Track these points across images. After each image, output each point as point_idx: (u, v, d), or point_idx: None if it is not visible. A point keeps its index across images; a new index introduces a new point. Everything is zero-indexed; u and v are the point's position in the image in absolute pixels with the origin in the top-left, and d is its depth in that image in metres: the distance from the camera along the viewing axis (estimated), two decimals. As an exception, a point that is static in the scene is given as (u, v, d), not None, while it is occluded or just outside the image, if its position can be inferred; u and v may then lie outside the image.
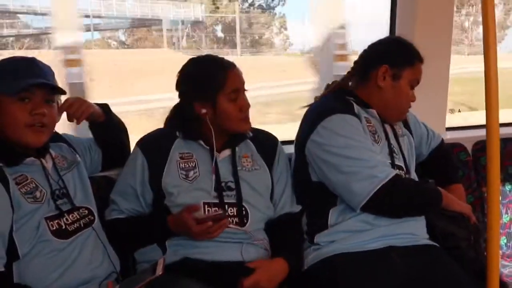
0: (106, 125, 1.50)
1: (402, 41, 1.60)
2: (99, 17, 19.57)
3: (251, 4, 23.15)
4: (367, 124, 1.51)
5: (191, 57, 1.53)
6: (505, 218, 2.02)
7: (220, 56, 1.49)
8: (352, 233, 1.45)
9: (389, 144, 1.54)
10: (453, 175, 1.77)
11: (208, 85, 1.40)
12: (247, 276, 1.31)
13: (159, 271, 1.23)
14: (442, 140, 1.80)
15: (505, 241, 2.02)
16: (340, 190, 1.45)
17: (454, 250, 1.51)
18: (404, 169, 1.55)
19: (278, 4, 23.79)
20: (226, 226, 1.33)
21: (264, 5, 23.56)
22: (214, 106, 1.40)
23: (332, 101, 1.56)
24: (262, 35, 22.98)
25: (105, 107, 1.52)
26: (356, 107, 1.52)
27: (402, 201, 1.45)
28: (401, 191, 1.43)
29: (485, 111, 1.22)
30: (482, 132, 1.33)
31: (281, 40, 24.19)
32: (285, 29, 24.23)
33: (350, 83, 1.62)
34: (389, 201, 1.42)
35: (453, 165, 1.84)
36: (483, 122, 1.16)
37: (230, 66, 1.43)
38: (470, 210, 1.57)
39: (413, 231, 1.49)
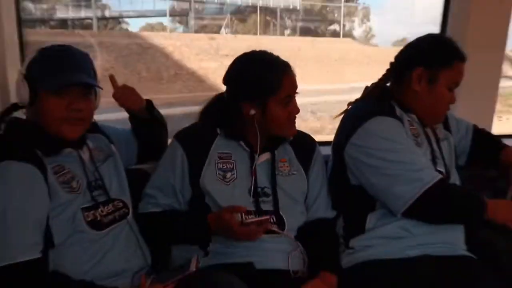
0: (148, 121, 1.50)
1: (440, 38, 1.56)
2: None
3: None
4: (410, 127, 1.49)
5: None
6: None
7: (275, 55, 1.42)
8: (389, 240, 1.45)
9: (432, 149, 1.51)
10: (500, 143, 1.73)
11: (261, 88, 1.36)
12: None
13: (193, 267, 1.25)
14: (474, 125, 1.76)
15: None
16: (381, 193, 1.43)
17: (493, 262, 1.48)
18: (445, 174, 1.52)
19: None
20: (267, 229, 1.33)
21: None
22: (263, 109, 1.37)
23: (372, 104, 1.53)
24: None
25: (148, 103, 1.52)
26: (398, 110, 1.50)
27: (445, 207, 1.43)
28: (446, 197, 1.41)
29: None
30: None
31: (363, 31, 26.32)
32: (368, 20, 26.55)
33: (388, 85, 1.59)
34: (432, 207, 1.40)
35: (496, 137, 1.79)
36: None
37: (286, 68, 1.38)
38: None
39: (451, 240, 1.48)
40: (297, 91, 1.41)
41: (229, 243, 1.37)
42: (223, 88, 1.46)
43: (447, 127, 1.66)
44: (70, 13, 20.29)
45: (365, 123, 1.43)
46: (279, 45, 14.23)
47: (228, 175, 1.40)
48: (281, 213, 1.40)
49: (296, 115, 1.41)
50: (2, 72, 1.64)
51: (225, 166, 1.41)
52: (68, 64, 1.27)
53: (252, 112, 1.37)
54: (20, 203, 1.19)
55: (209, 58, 15.37)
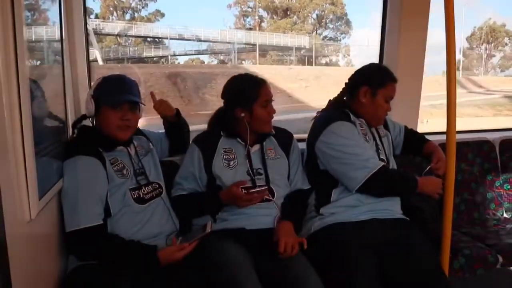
0: (176, 125, 1.97)
1: (378, 66, 2.08)
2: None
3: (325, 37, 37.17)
4: (360, 128, 1.98)
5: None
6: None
7: (253, 74, 1.97)
8: (347, 208, 1.91)
9: (376, 143, 2.01)
10: (423, 138, 2.24)
11: (248, 96, 1.86)
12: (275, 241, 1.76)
13: (208, 229, 1.67)
14: (405, 126, 2.28)
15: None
16: (340, 176, 1.91)
17: (421, 222, 1.99)
18: (386, 161, 2.00)
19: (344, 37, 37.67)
20: (264, 196, 1.80)
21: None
22: (250, 112, 1.87)
23: (333, 113, 2.02)
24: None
25: (177, 111, 1.98)
26: (352, 116, 1.99)
27: (387, 186, 1.91)
28: (387, 178, 1.89)
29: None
30: (442, 137, 1.85)
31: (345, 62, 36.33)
32: (348, 55, 37.28)
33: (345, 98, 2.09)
34: (377, 186, 1.87)
35: (420, 134, 2.31)
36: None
37: (262, 82, 1.90)
38: (436, 190, 1.93)
39: (390, 207, 1.95)
40: (273, 98, 1.90)
41: (232, 212, 1.83)
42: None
43: (386, 127, 2.16)
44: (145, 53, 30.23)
45: (329, 126, 1.92)
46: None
47: (231, 163, 1.88)
48: (271, 186, 1.88)
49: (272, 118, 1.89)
50: (76, 94, 2.11)
51: (229, 157, 1.89)
52: (122, 88, 1.72)
53: (242, 114, 1.86)
54: (87, 185, 1.60)
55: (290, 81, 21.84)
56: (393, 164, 2.08)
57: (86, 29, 2.25)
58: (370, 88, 1.98)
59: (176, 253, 1.59)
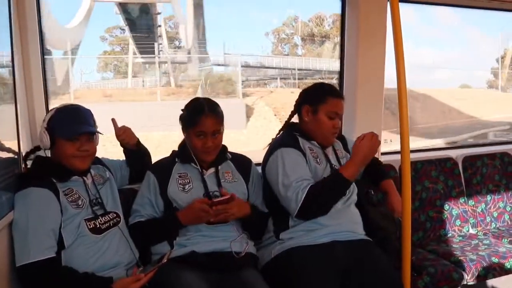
0: (137, 153, 1.94)
1: (320, 84, 2.06)
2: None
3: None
4: (310, 151, 1.96)
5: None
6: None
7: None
8: (307, 232, 1.88)
9: (330, 164, 1.98)
10: (384, 174, 2.22)
11: (187, 125, 1.87)
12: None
13: (165, 259, 1.65)
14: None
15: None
16: (282, 201, 1.88)
17: (385, 241, 1.99)
18: None
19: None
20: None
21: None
22: (188, 137, 1.88)
23: (283, 137, 2.04)
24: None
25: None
26: (301, 140, 1.98)
27: (322, 200, 1.84)
28: (317, 194, 1.82)
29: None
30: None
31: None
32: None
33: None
34: (313, 204, 1.83)
35: (383, 168, 2.28)
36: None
37: (203, 112, 1.83)
38: (372, 154, 1.90)
39: (352, 229, 1.94)
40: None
41: (189, 235, 1.81)
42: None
43: (346, 149, 2.14)
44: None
45: (274, 152, 1.93)
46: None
47: (186, 186, 1.87)
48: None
49: (208, 147, 1.84)
50: (33, 124, 2.07)
51: (184, 181, 1.88)
52: (77, 119, 1.70)
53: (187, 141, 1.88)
54: (38, 217, 1.56)
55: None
56: (354, 186, 2.04)
57: (43, 53, 2.20)
58: (311, 106, 1.98)
59: (132, 284, 1.55)
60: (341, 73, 2.74)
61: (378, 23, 2.56)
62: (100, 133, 1.75)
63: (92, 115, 1.76)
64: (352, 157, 1.91)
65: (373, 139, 1.88)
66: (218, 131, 1.86)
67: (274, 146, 1.98)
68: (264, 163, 1.99)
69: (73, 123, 1.68)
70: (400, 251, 1.91)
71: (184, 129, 1.89)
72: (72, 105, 1.76)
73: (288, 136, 2.02)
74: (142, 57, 26.65)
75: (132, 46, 26.60)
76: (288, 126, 2.10)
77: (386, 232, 2.04)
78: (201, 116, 1.82)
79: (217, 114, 1.86)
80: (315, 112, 1.97)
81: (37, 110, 2.11)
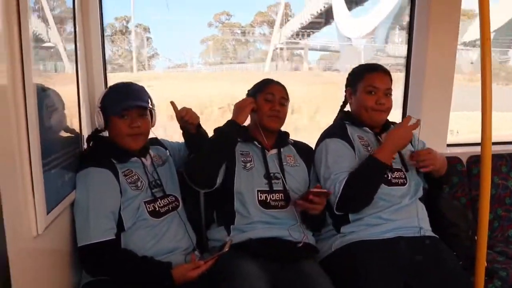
0: (196, 135, 1.88)
1: (359, 65, 2.00)
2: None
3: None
4: (360, 140, 1.89)
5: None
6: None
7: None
8: (369, 226, 1.79)
9: None
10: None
11: (256, 92, 1.89)
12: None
13: (227, 248, 1.60)
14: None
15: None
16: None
17: (455, 237, 1.87)
18: (403, 169, 1.88)
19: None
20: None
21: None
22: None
23: (332, 127, 1.99)
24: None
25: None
26: (350, 129, 1.91)
27: (361, 189, 1.75)
28: (355, 184, 1.74)
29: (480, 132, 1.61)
30: (473, 149, 1.71)
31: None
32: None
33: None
34: (352, 195, 1.75)
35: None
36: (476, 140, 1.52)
37: (272, 81, 1.91)
38: (407, 140, 1.78)
39: (420, 224, 1.82)
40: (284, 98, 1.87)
41: (248, 219, 1.76)
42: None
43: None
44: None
45: (320, 144, 1.90)
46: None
47: (248, 165, 1.84)
48: (288, 190, 1.81)
49: (276, 111, 1.84)
50: (92, 103, 2.01)
51: (246, 159, 1.85)
52: (128, 94, 1.66)
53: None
54: (98, 198, 1.55)
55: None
56: (415, 179, 1.92)
57: (102, 29, 2.18)
58: (352, 87, 1.96)
59: (191, 271, 1.52)
60: (408, 59, 2.59)
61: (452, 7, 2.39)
62: (152, 109, 1.71)
63: (145, 91, 1.72)
64: (384, 143, 1.79)
65: (405, 128, 1.77)
66: (284, 100, 1.88)
67: (321, 137, 1.93)
68: (314, 155, 1.94)
69: (123, 99, 1.65)
70: (470, 251, 1.78)
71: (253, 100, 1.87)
72: (124, 83, 1.73)
73: (336, 126, 1.96)
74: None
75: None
76: (340, 115, 2.03)
77: (458, 229, 1.93)
78: (270, 83, 1.89)
79: (284, 86, 1.92)
80: (355, 91, 1.94)
81: (97, 90, 2.10)
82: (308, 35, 26.21)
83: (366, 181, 1.76)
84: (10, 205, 1.07)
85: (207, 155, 1.73)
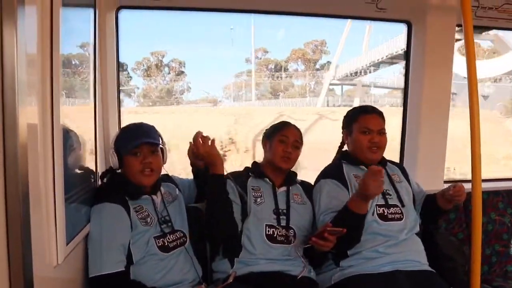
0: (205, 172, 1.93)
1: (353, 108, 2.13)
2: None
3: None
4: (356, 179, 1.96)
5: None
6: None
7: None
8: (367, 260, 1.87)
9: (383, 190, 1.89)
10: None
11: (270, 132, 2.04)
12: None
13: (231, 279, 1.69)
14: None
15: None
16: None
17: (451, 272, 1.94)
18: (399, 205, 1.96)
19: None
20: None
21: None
22: (270, 145, 2.00)
23: (328, 167, 2.10)
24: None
25: None
26: (347, 168, 2.02)
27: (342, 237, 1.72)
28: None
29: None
30: (469, 185, 1.81)
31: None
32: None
33: None
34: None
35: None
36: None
37: (287, 124, 2.03)
38: (376, 191, 1.73)
39: (417, 258, 1.90)
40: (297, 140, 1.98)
41: (251, 254, 1.84)
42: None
43: (407, 178, 2.11)
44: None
45: (317, 184, 2.02)
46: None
47: (258, 200, 1.93)
48: (291, 225, 1.91)
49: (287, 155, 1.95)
50: (107, 140, 2.12)
51: (256, 194, 1.95)
52: (139, 132, 1.78)
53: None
54: (111, 232, 1.64)
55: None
56: (411, 215, 2.00)
57: (118, 69, 2.29)
58: (347, 129, 2.08)
59: None
60: (405, 96, 2.71)
61: (445, 49, 2.54)
62: (163, 146, 1.82)
63: (155, 130, 1.83)
64: (355, 193, 1.81)
65: (368, 179, 1.72)
66: (298, 143, 2.00)
67: (318, 177, 2.06)
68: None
69: (134, 137, 1.75)
70: (466, 285, 1.82)
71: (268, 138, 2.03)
72: (135, 123, 1.84)
73: (332, 166, 2.08)
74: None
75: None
76: (337, 154, 2.15)
77: (454, 263, 2.00)
78: (286, 126, 2.03)
79: (299, 130, 2.04)
80: (350, 133, 2.05)
81: (111, 128, 2.24)
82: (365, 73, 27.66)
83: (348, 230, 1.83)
84: (37, 235, 1.17)
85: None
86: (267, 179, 1.99)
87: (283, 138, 1.96)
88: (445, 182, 2.61)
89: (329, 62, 30.54)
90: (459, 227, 2.44)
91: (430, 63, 2.56)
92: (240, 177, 1.98)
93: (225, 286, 1.67)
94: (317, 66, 32.81)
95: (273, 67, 30.97)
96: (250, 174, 2.00)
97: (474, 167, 1.76)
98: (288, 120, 2.07)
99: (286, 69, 31.42)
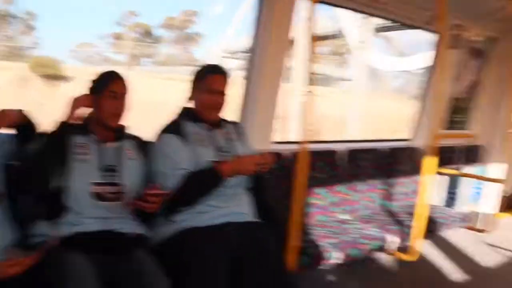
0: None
1: (202, 66, 2.12)
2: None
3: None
4: (195, 134, 2.00)
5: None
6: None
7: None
8: (199, 213, 1.92)
9: (219, 147, 2.03)
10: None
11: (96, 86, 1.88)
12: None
13: (50, 242, 1.55)
14: None
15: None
16: None
17: (275, 222, 2.10)
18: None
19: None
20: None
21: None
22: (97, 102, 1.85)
23: (170, 122, 2.06)
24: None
25: None
26: (185, 124, 2.01)
27: (191, 193, 1.89)
28: (188, 186, 1.87)
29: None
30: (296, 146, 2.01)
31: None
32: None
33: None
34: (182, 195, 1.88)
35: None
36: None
37: (115, 75, 1.89)
38: (250, 167, 1.91)
39: (246, 211, 2.02)
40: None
41: (76, 214, 1.74)
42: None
43: (241, 137, 2.17)
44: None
45: (159, 138, 1.99)
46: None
47: (82, 156, 1.79)
48: (121, 182, 1.82)
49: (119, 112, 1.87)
50: None
51: (80, 151, 1.80)
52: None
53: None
54: None
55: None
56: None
57: None
58: (193, 85, 2.07)
59: (9, 268, 1.43)
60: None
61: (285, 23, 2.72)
62: None
63: None
64: (231, 162, 1.94)
65: (250, 160, 1.92)
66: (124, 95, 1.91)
67: (159, 132, 2.02)
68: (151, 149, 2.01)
69: None
70: (287, 232, 2.07)
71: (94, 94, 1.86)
72: None
73: (172, 122, 2.05)
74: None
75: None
76: (181, 110, 2.11)
77: (277, 213, 2.16)
78: (114, 79, 1.91)
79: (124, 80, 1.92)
80: (196, 90, 2.05)
81: None
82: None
83: (200, 186, 1.91)
84: None
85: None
86: (93, 135, 1.85)
87: (111, 94, 1.84)
88: (278, 143, 2.89)
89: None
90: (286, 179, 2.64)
91: (274, 38, 2.72)
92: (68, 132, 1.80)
93: (43, 250, 1.51)
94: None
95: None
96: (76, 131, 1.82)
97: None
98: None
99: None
